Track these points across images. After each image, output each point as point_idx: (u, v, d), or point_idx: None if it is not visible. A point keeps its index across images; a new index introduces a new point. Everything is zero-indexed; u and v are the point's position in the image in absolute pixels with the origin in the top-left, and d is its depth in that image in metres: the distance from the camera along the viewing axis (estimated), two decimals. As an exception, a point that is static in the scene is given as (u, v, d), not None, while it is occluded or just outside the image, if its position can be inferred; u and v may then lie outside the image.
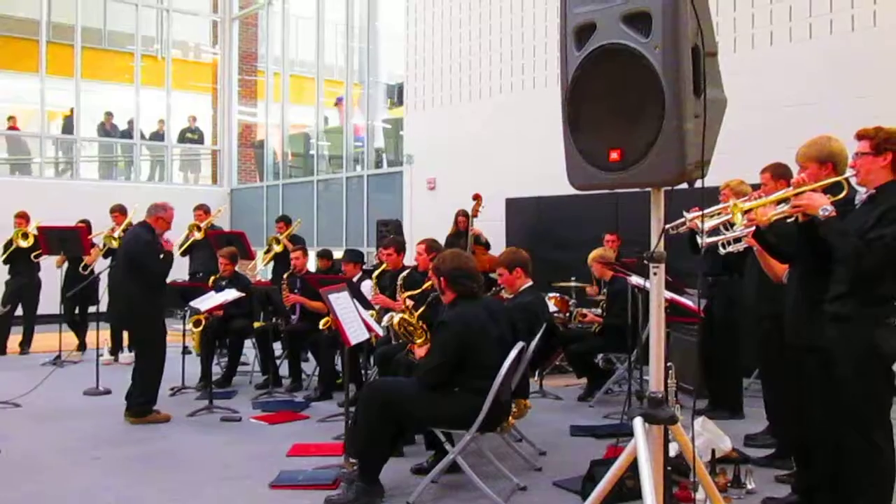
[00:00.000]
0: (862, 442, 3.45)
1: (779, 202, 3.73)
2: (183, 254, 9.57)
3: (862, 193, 3.61)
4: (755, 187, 4.99)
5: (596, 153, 2.84)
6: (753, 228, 3.92)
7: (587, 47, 2.83)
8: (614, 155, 2.78)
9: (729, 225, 4.01)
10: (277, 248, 9.65)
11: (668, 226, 3.76)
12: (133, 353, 7.03)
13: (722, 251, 4.29)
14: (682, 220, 4.37)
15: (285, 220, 10.17)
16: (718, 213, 4.03)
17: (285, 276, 8.04)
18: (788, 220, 3.75)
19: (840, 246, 3.41)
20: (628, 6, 2.71)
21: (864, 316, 3.43)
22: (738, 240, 4.18)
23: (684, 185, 2.75)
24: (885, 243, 3.32)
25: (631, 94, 2.73)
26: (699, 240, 4.21)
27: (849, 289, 3.47)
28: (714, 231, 4.11)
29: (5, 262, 9.86)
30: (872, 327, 3.42)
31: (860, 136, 3.56)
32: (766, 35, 8.08)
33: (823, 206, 3.43)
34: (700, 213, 3.99)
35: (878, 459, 3.45)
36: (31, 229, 9.68)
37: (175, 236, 7.71)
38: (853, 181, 3.62)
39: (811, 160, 3.87)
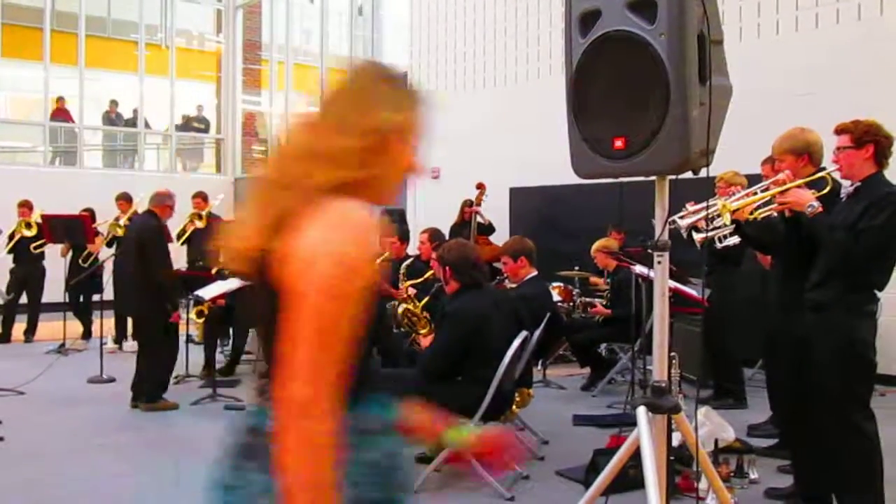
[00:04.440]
0: (842, 425, 3.50)
1: (766, 200, 3.76)
2: (182, 243, 9.56)
3: (847, 186, 3.64)
4: (755, 178, 4.98)
5: (600, 141, 2.82)
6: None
7: (592, 34, 2.80)
8: (619, 143, 2.76)
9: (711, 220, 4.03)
10: None
11: (675, 218, 3.78)
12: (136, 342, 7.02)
13: (718, 245, 4.31)
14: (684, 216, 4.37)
15: None
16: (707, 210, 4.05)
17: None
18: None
19: (827, 241, 3.47)
20: (634, -7, 2.69)
21: (842, 303, 3.51)
22: (732, 234, 4.19)
23: (689, 174, 2.74)
24: (871, 236, 3.37)
25: (636, 82, 2.70)
26: (695, 236, 4.22)
27: (828, 278, 3.54)
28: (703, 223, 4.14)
29: (10, 252, 9.87)
30: (850, 314, 3.51)
31: (839, 130, 3.61)
32: (771, 24, 8.04)
33: (810, 202, 3.47)
34: (698, 206, 4.00)
35: (861, 441, 3.50)
36: (35, 218, 9.69)
37: (174, 225, 7.72)
38: (836, 175, 3.66)
39: (787, 153, 3.92)
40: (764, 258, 4.60)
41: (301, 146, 1.49)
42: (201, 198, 9.82)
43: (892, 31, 7.13)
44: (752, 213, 3.76)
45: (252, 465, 1.41)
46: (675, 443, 3.76)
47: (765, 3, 8.09)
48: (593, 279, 8.29)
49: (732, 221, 3.92)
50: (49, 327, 9.83)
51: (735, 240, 4.27)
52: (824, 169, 3.82)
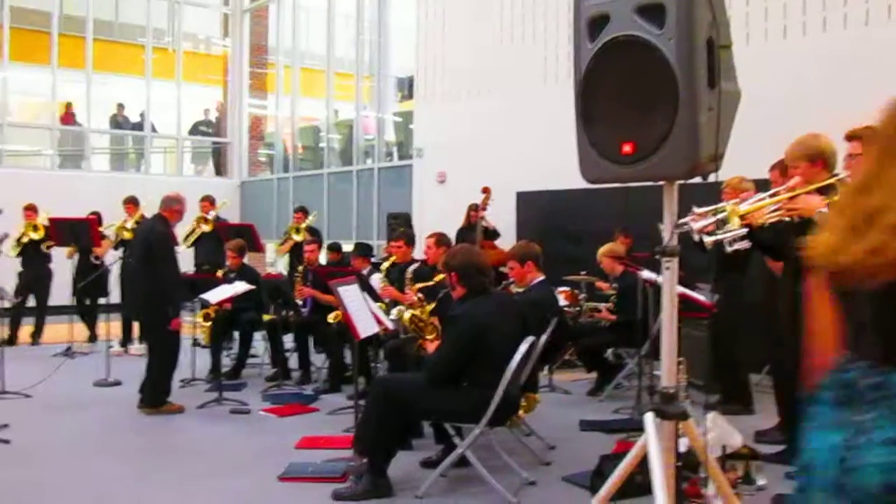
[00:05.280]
0: None
1: (775, 205, 3.76)
2: (189, 246, 9.61)
3: None
4: (763, 183, 4.97)
5: (608, 146, 2.82)
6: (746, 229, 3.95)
7: (600, 39, 2.80)
8: (627, 148, 2.75)
9: (722, 223, 4.03)
10: (297, 237, 9.68)
11: (683, 220, 3.77)
12: (145, 345, 7.04)
13: (728, 249, 4.30)
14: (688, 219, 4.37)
15: (303, 211, 10.23)
16: (716, 214, 4.04)
17: (299, 268, 8.06)
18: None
19: None
20: (642, -3, 2.68)
21: None
22: (743, 238, 4.18)
23: (697, 179, 2.73)
24: None
25: (644, 87, 2.70)
26: (705, 239, 4.22)
27: None
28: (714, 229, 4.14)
29: (18, 255, 9.91)
30: None
31: (851, 137, 3.59)
32: (779, 28, 8.02)
33: (819, 208, 3.46)
34: (705, 210, 4.00)
35: None
36: (41, 220, 9.72)
37: (181, 229, 7.74)
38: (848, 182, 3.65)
39: (801, 159, 3.91)
40: (774, 264, 4.57)
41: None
42: (208, 201, 9.91)
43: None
44: (761, 219, 3.75)
45: None
46: (682, 448, 3.74)
47: (772, 7, 8.06)
48: (600, 284, 8.27)
49: (746, 227, 3.91)
50: (56, 330, 9.85)
51: (745, 244, 4.26)
52: (836, 175, 3.80)
